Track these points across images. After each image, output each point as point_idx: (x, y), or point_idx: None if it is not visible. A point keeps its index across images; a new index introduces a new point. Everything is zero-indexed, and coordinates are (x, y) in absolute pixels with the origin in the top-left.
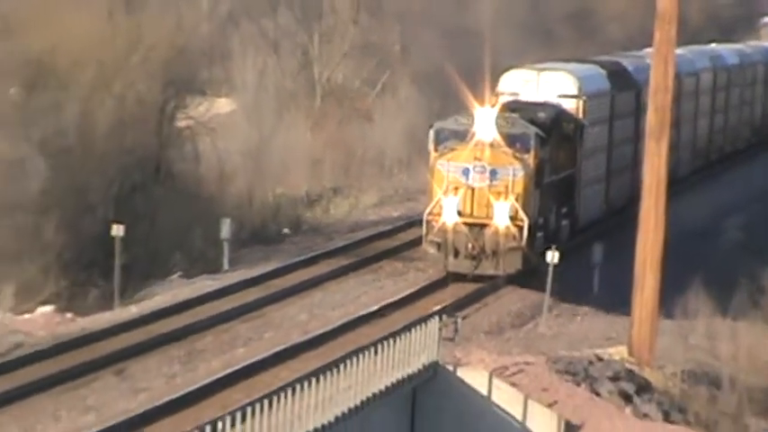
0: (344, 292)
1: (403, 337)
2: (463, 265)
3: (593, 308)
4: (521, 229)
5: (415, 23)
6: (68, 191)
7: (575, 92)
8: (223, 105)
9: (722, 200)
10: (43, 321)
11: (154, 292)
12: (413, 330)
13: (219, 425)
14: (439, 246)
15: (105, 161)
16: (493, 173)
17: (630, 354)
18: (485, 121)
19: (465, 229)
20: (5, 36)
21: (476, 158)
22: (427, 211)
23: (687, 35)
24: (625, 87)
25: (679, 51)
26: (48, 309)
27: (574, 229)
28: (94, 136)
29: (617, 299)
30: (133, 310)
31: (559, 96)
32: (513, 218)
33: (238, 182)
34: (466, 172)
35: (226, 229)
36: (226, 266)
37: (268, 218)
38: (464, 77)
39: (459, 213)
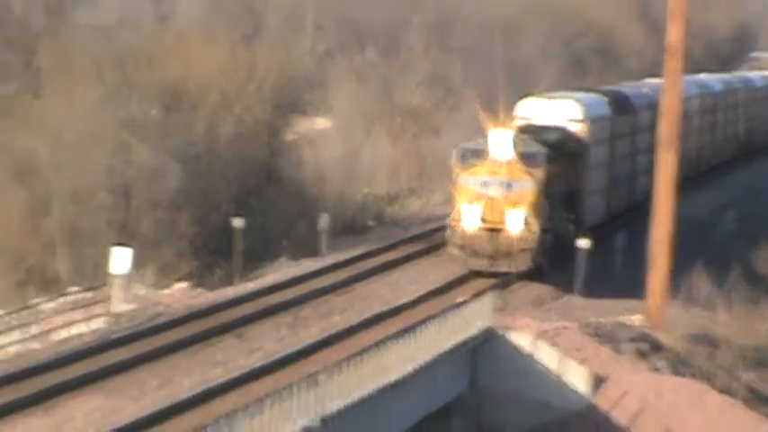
0: (418, 272)
1: (463, 307)
2: (481, 264)
3: (617, 284)
4: (531, 233)
5: (473, 56)
6: (198, 191)
7: (580, 117)
8: (320, 123)
9: (718, 199)
10: (179, 295)
11: (266, 271)
12: (470, 302)
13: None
14: (461, 247)
15: (227, 168)
16: (508, 185)
17: (646, 320)
18: (502, 141)
19: (484, 233)
20: (149, 68)
21: (494, 173)
22: (451, 217)
23: (691, 67)
24: (624, 112)
25: (653, 83)
26: (182, 285)
27: (579, 232)
28: (218, 147)
29: (636, 277)
30: (249, 286)
31: (568, 120)
32: (526, 223)
33: (333, 184)
34: (485, 184)
35: (323, 221)
36: (323, 251)
37: (357, 212)
38: (500, 103)
39: (479, 219)
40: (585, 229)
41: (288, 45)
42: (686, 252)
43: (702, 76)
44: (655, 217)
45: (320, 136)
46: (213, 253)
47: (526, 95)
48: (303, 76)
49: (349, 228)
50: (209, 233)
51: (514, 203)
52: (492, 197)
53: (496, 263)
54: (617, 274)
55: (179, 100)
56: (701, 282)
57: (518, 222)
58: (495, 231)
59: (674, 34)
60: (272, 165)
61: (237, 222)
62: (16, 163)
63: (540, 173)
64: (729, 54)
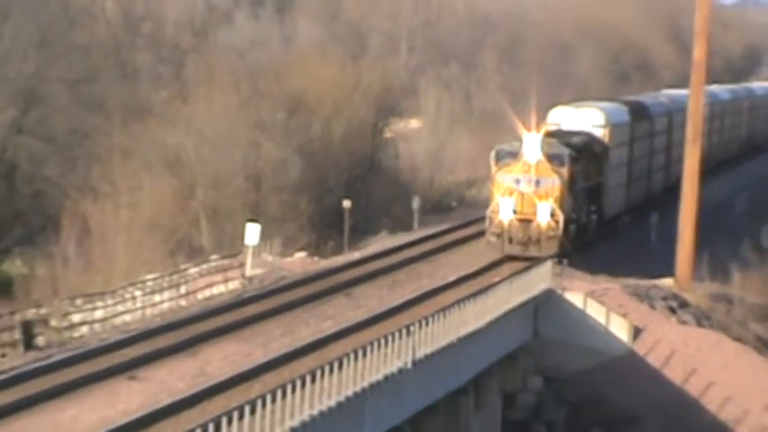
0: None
1: (529, 271)
2: (515, 249)
3: (652, 254)
4: (557, 223)
5: (537, 70)
6: (315, 179)
7: (602, 123)
8: (413, 123)
9: (731, 185)
10: (299, 262)
11: (369, 243)
12: (534, 268)
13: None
14: (498, 235)
15: (338, 160)
16: (537, 182)
17: (675, 283)
18: (532, 144)
19: (517, 223)
20: (275, 80)
21: (525, 171)
22: (489, 209)
23: (712, 79)
24: (642, 119)
25: (682, 91)
26: (302, 254)
27: (601, 222)
28: (331, 144)
29: (667, 248)
30: (356, 255)
31: (592, 126)
32: (552, 215)
33: (423, 172)
34: (518, 181)
35: (415, 203)
36: (415, 227)
37: (442, 195)
38: (533, 110)
39: (513, 211)
40: (606, 219)
41: (386, 61)
42: (707, 228)
43: (713, 87)
44: (683, 199)
45: (413, 134)
46: (327, 228)
47: (557, 104)
48: (399, 86)
49: (436, 207)
50: (323, 212)
51: (543, 197)
52: (523, 192)
53: (528, 249)
54: (652, 246)
55: (300, 106)
56: (719, 251)
57: (546, 214)
58: (526, 221)
59: (698, 52)
60: (374, 157)
61: (346, 203)
62: (168, 156)
63: (564, 171)
64: (742, 68)
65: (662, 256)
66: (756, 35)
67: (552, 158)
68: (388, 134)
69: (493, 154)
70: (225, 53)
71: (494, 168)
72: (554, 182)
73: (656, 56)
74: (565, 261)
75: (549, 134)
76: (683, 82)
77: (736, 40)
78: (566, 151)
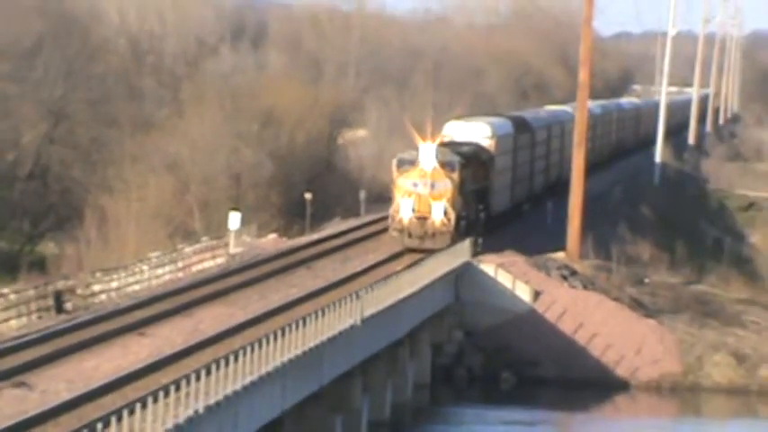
0: None
1: (453, 248)
2: (414, 243)
3: (548, 233)
4: (450, 220)
5: (454, 89)
6: (283, 177)
7: (489, 134)
8: (360, 133)
9: (608, 179)
10: (271, 242)
11: (325, 227)
12: (458, 245)
13: (370, 288)
14: (400, 231)
15: (301, 162)
16: (432, 185)
17: (566, 255)
18: (428, 152)
19: (415, 220)
20: (251, 99)
21: (422, 176)
22: (392, 209)
23: (592, 96)
24: (524, 131)
25: (558, 107)
26: (273, 236)
27: (489, 218)
28: (295, 149)
29: (560, 229)
30: (314, 236)
31: (480, 137)
32: (445, 213)
33: (368, 171)
34: (416, 185)
35: (362, 195)
36: (362, 214)
37: (383, 189)
38: (429, 124)
39: (412, 210)
40: (493, 215)
41: (338, 84)
42: (591, 212)
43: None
44: (572, 190)
45: (360, 141)
46: (292, 215)
47: (451, 119)
48: (348, 103)
49: (378, 199)
50: (289, 203)
51: (437, 198)
52: (420, 194)
53: (424, 242)
54: (548, 227)
55: (270, 119)
56: (601, 231)
57: (440, 212)
58: (423, 219)
59: (583, 75)
60: (329, 159)
61: (308, 196)
62: (167, 160)
63: (455, 176)
64: (617, 87)
65: (556, 234)
66: (628, 61)
67: (445, 165)
68: (340, 141)
69: (395, 162)
70: (212, 79)
71: (395, 174)
72: (446, 185)
73: (549, 77)
74: (480, 240)
75: (443, 144)
76: (571, 98)
77: (612, 65)
78: (456, 159)
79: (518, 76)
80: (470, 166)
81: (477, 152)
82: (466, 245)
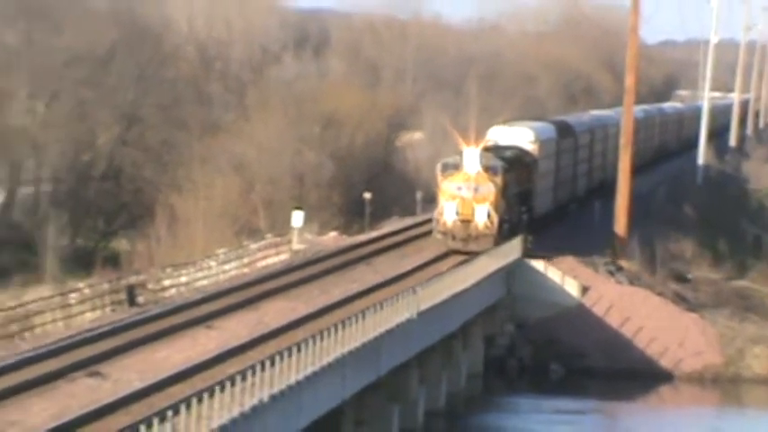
0: None
1: (505, 245)
2: (457, 245)
3: (595, 232)
4: (492, 223)
5: (506, 95)
6: (343, 177)
7: (532, 139)
8: (417, 135)
9: (653, 180)
10: (332, 239)
11: (383, 225)
12: (509, 243)
13: (426, 283)
14: (443, 233)
15: (360, 163)
16: (476, 189)
17: (613, 253)
18: (472, 157)
19: (459, 223)
20: (313, 103)
21: (466, 180)
22: (436, 212)
23: (638, 101)
24: (566, 135)
25: (602, 112)
26: (333, 233)
27: (532, 220)
28: (355, 151)
29: (606, 228)
30: (373, 234)
31: (523, 141)
32: (488, 216)
33: (424, 172)
34: (460, 188)
35: (419, 195)
36: (419, 213)
37: None
38: (473, 129)
39: (456, 213)
40: (535, 217)
41: (396, 89)
42: (636, 212)
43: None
44: (618, 190)
45: (416, 143)
46: (352, 214)
47: (495, 124)
48: (406, 107)
49: (433, 198)
50: (350, 202)
51: (480, 202)
52: (464, 197)
53: (468, 244)
54: (596, 226)
55: (331, 123)
56: (646, 229)
57: (483, 215)
58: (466, 222)
59: (629, 80)
60: (387, 161)
61: (367, 195)
62: (234, 161)
63: (498, 179)
64: (662, 92)
65: (603, 233)
66: (672, 67)
67: (488, 169)
68: (397, 143)
69: (439, 166)
70: (276, 84)
71: (440, 177)
72: (490, 188)
73: (597, 83)
74: (530, 238)
75: (486, 149)
76: (618, 102)
77: (657, 71)
78: (499, 163)
79: (567, 82)
80: (513, 169)
81: (521, 156)
82: (517, 243)
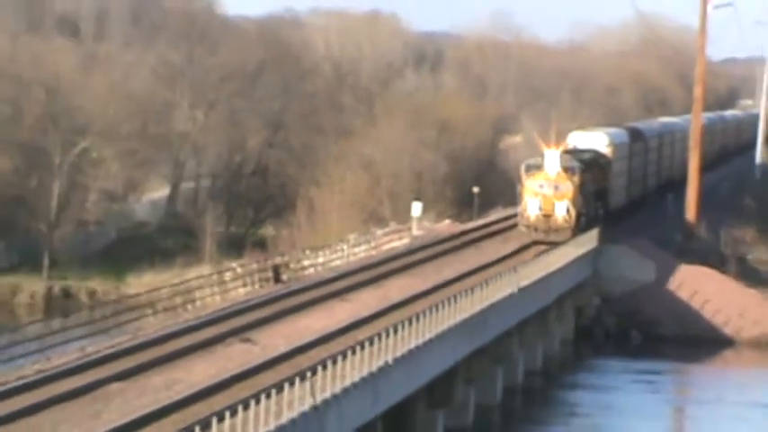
0: None
1: (584, 235)
2: (540, 236)
3: (669, 219)
4: (571, 217)
5: (593, 104)
6: (455, 174)
7: (607, 143)
8: (518, 139)
9: (717, 176)
10: (446, 227)
11: (491, 213)
12: (588, 234)
13: (526, 263)
14: (527, 226)
15: (470, 161)
16: (556, 187)
17: (684, 237)
18: (553, 158)
19: (541, 217)
20: (429, 111)
21: (547, 179)
22: (520, 207)
23: (706, 108)
24: (638, 139)
25: (669, 119)
26: (447, 221)
27: (607, 214)
28: (465, 152)
29: (678, 216)
30: (480, 222)
31: (599, 145)
32: (567, 211)
33: None
34: (541, 186)
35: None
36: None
37: None
38: (553, 135)
39: (538, 209)
40: (611, 211)
41: (500, 100)
42: (703, 203)
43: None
44: (689, 184)
45: (518, 146)
46: (463, 205)
47: (573, 130)
48: (508, 115)
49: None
50: (461, 196)
51: (560, 198)
52: (545, 194)
53: (549, 236)
54: (669, 214)
55: (445, 128)
56: (712, 217)
57: (562, 210)
58: (547, 216)
59: (698, 91)
60: (492, 160)
61: (475, 189)
62: (363, 160)
63: (576, 179)
64: (726, 102)
65: (676, 220)
66: (734, 81)
67: (567, 170)
68: (501, 146)
69: (523, 166)
70: (398, 96)
71: (524, 177)
72: (568, 187)
73: (670, 94)
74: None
75: (566, 151)
76: (688, 111)
77: (721, 84)
78: (576, 164)
79: (645, 94)
80: (590, 170)
81: (596, 158)
82: (594, 233)
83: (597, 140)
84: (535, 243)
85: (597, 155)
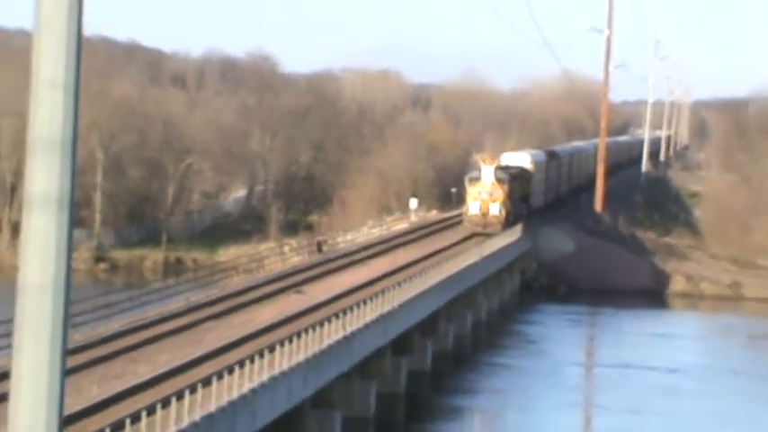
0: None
1: (515, 227)
2: (478, 230)
3: (583, 211)
4: (501, 215)
5: (531, 133)
6: (438, 180)
7: (529, 161)
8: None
9: (614, 181)
10: (433, 215)
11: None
12: (515, 227)
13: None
14: (470, 222)
15: (450, 171)
16: (491, 193)
17: (594, 222)
18: (488, 172)
19: (480, 216)
20: (423, 136)
21: (484, 187)
22: (465, 208)
23: (608, 134)
24: (553, 158)
25: (577, 143)
26: (434, 211)
27: (529, 213)
28: (447, 164)
29: (589, 208)
30: (455, 212)
31: (524, 163)
32: (499, 210)
33: None
34: (480, 192)
35: None
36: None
37: None
38: (490, 155)
39: (478, 209)
40: (532, 211)
41: (469, 129)
42: (608, 199)
43: (594, 140)
44: (597, 186)
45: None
46: (445, 200)
47: (507, 150)
48: (476, 139)
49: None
50: (443, 194)
51: (494, 201)
52: (483, 198)
53: (486, 229)
54: (583, 208)
55: (433, 149)
56: (613, 208)
57: (495, 210)
58: (484, 215)
59: (603, 123)
60: (464, 170)
61: (453, 190)
62: (377, 171)
63: (506, 187)
64: (621, 130)
65: (588, 211)
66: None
67: (499, 180)
68: (470, 160)
69: (467, 178)
70: (401, 126)
71: (467, 185)
72: (500, 193)
73: (584, 124)
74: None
75: (498, 167)
76: (595, 136)
77: (618, 118)
78: (506, 176)
79: (567, 125)
80: (516, 180)
81: (521, 172)
82: (520, 227)
83: (522, 159)
84: (475, 234)
85: (522, 169)
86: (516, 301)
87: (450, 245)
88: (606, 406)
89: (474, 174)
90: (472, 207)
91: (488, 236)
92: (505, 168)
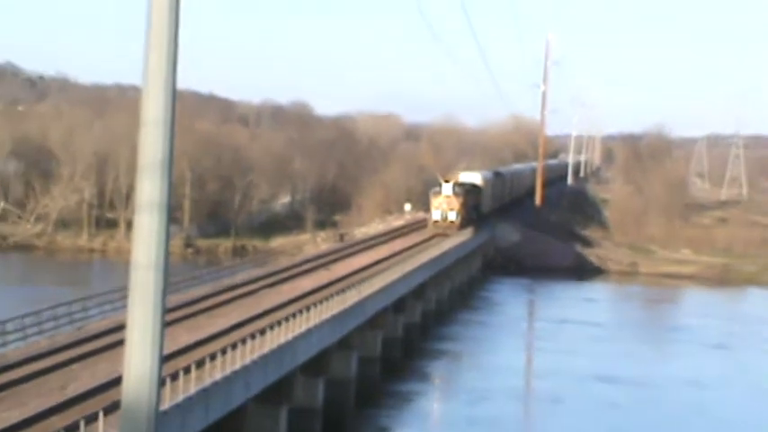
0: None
1: (466, 229)
2: (439, 231)
3: (526, 213)
4: (457, 220)
5: (482, 156)
6: (426, 191)
7: (480, 178)
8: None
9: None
10: (421, 216)
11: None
12: (468, 228)
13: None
14: (433, 225)
15: (434, 184)
16: (449, 203)
17: (534, 219)
18: (447, 187)
19: (441, 220)
20: (413, 159)
21: (444, 198)
22: (429, 214)
23: (543, 158)
24: (499, 177)
25: (517, 165)
26: (421, 212)
27: (479, 217)
28: (430, 180)
29: (532, 209)
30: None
31: (477, 180)
32: (456, 216)
33: None
34: (441, 203)
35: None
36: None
37: None
38: (452, 174)
39: (439, 215)
40: (482, 215)
41: (447, 156)
42: (545, 203)
43: (530, 164)
44: (537, 194)
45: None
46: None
47: (462, 170)
48: (452, 162)
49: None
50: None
51: (451, 209)
52: (443, 208)
53: (445, 231)
54: (527, 210)
55: (421, 169)
56: (546, 211)
57: (453, 216)
58: (444, 220)
59: (540, 150)
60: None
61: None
62: (382, 185)
63: (461, 198)
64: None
65: (530, 212)
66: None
67: (456, 193)
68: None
69: (431, 192)
70: (398, 152)
71: (431, 197)
72: (456, 202)
73: (527, 152)
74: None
75: (456, 183)
76: (534, 160)
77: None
78: (461, 190)
79: (515, 152)
80: (469, 193)
81: (474, 187)
82: (471, 228)
83: (475, 177)
84: (437, 235)
85: (474, 185)
86: (480, 275)
87: (431, 237)
88: (547, 348)
89: (436, 189)
90: (434, 214)
91: (446, 236)
92: (461, 185)
